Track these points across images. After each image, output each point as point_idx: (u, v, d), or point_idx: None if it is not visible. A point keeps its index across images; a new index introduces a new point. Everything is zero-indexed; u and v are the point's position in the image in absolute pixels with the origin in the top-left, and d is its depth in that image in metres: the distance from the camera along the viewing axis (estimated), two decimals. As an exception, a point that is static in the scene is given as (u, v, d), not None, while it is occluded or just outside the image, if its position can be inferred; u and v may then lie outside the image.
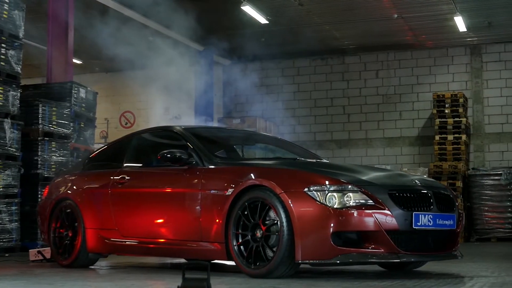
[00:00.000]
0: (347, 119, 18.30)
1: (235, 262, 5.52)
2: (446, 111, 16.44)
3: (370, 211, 5.13)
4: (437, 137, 16.44)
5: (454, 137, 16.29)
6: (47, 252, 7.79)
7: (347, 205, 5.12)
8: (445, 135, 16.38)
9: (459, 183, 15.32)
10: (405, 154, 17.73)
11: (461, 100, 16.38)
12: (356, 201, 5.15)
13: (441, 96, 16.57)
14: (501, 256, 9.22)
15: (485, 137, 17.19)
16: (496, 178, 15.10)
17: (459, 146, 16.20)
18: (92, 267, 7.05)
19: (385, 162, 17.25)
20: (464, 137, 16.27)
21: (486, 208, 15.07)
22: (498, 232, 14.94)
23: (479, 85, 17.27)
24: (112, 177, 6.77)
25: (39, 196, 10.38)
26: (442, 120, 16.44)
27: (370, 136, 18.03)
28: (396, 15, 15.17)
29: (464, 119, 16.38)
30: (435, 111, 16.60)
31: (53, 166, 10.73)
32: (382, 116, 18.00)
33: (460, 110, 16.36)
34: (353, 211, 5.10)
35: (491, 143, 17.14)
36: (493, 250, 10.91)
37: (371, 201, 5.16)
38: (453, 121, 16.36)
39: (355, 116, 18.23)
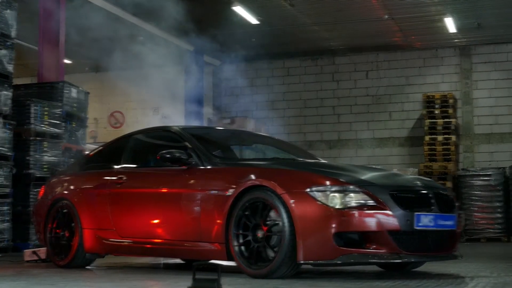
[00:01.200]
0: (337, 119, 18.32)
1: (236, 263, 5.50)
2: (436, 111, 16.52)
3: (372, 211, 5.12)
4: (427, 138, 16.51)
5: (443, 137, 16.36)
6: (42, 252, 7.74)
7: (348, 205, 5.11)
8: (435, 136, 16.45)
9: (449, 184, 15.39)
10: (395, 154, 17.76)
11: (450, 101, 16.47)
12: (358, 201, 5.14)
13: (430, 97, 16.66)
14: (495, 256, 9.26)
15: (474, 138, 17.27)
16: (486, 178, 15.15)
17: (448, 146, 16.28)
18: (89, 267, 7.01)
19: (375, 163, 17.26)
20: (453, 137, 16.36)
21: (476, 209, 15.11)
22: (488, 233, 15.00)
23: (468, 86, 17.35)
24: (110, 177, 6.72)
25: (31, 196, 10.32)
26: (432, 121, 16.51)
27: (360, 137, 18.06)
28: (386, 16, 15.21)
29: (453, 120, 16.46)
30: (424, 112, 16.68)
31: (45, 166, 10.66)
32: (372, 117, 18.03)
33: (450, 111, 16.44)
34: (354, 212, 5.10)
35: (480, 144, 17.22)
36: (485, 251, 10.97)
37: (373, 202, 5.15)
38: (443, 121, 16.43)
39: (345, 117, 18.25)
